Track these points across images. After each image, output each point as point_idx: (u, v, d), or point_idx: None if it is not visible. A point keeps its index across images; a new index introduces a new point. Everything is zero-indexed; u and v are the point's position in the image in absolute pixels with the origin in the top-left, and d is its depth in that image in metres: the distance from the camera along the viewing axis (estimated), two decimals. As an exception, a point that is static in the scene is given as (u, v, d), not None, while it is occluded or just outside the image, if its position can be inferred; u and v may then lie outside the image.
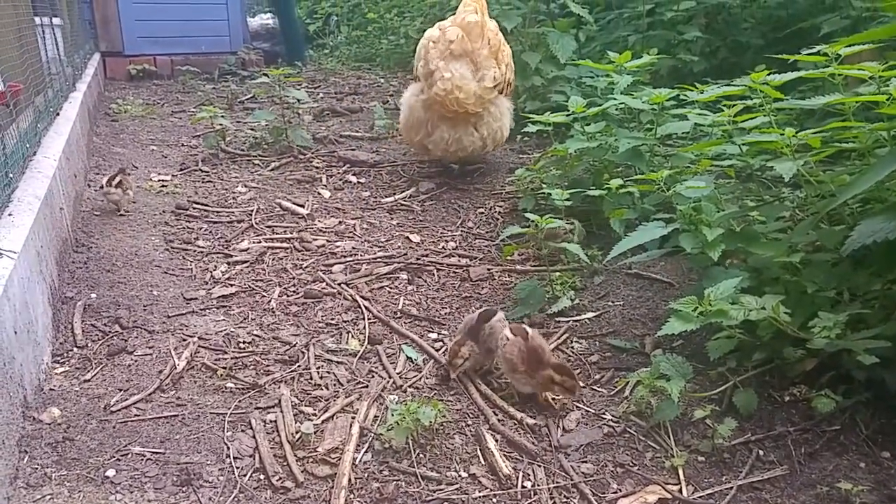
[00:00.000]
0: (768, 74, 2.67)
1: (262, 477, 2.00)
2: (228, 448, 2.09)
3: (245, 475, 1.99)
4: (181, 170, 4.97)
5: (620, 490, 2.00)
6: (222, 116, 5.53)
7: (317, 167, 5.08)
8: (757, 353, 2.34)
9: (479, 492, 1.99)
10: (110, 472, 1.95)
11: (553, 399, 2.37)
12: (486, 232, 3.93)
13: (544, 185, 3.87)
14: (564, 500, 1.97)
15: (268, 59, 10.09)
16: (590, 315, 2.98)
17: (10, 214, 2.49)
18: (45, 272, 2.62)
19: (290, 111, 5.65)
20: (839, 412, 2.16)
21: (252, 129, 5.78)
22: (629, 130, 3.86)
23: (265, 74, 6.06)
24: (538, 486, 2.02)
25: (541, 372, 2.31)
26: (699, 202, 2.60)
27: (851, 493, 1.89)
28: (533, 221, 3.11)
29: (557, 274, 3.21)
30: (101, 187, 3.97)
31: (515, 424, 2.27)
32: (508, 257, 3.51)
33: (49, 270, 2.71)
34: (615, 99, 3.68)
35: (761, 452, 2.12)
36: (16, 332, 2.05)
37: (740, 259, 2.65)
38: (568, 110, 3.86)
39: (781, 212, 2.93)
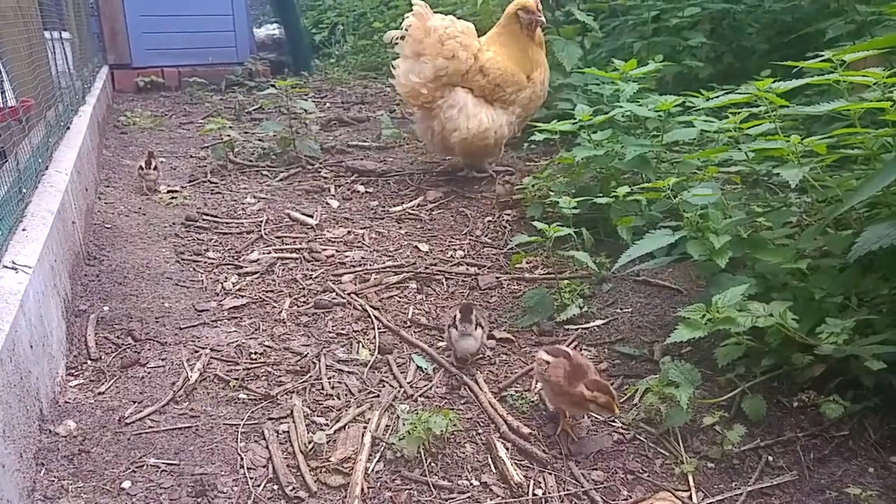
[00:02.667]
0: (773, 81, 2.69)
1: (275, 487, 2.02)
2: (242, 459, 2.11)
3: (259, 486, 2.02)
4: (190, 181, 5.01)
5: (631, 497, 2.02)
6: (230, 127, 5.58)
7: (325, 177, 5.11)
8: (765, 359, 2.35)
9: (491, 500, 2.01)
10: (126, 484, 1.98)
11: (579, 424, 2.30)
12: (494, 240, 3.95)
13: (552, 193, 3.88)
14: (576, 507, 1.99)
15: (274, 70, 10.16)
16: (598, 322, 2.99)
17: (24, 229, 2.53)
18: (58, 286, 2.65)
19: (297, 121, 5.70)
20: (848, 417, 2.17)
21: (260, 140, 5.83)
22: (635, 138, 3.87)
23: (272, 85, 6.12)
24: (549, 493, 2.03)
25: (576, 388, 2.14)
26: (706, 209, 2.62)
27: (860, 499, 1.90)
28: (541, 230, 3.13)
29: (566, 282, 3.23)
30: (141, 169, 4.73)
31: (530, 429, 2.28)
32: (517, 265, 3.53)
33: (62, 284, 2.75)
34: (621, 107, 3.69)
35: (770, 458, 2.13)
36: (31, 346, 2.08)
37: (748, 266, 2.66)
38: (574, 118, 3.88)
39: (788, 217, 2.94)
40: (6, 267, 2.18)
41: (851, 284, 2.33)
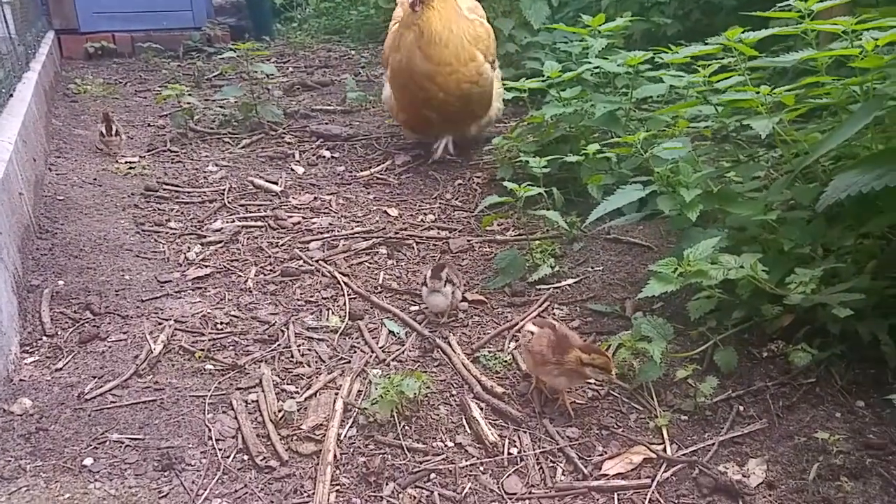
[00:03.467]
0: (743, 32, 2.65)
1: (245, 458, 1.97)
2: (210, 430, 2.06)
3: (228, 456, 1.97)
4: (149, 150, 4.84)
5: (606, 452, 2.02)
6: (189, 94, 5.38)
7: (289, 143, 4.98)
8: (736, 311, 2.36)
9: (466, 461, 1.99)
10: (88, 461, 1.91)
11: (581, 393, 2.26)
12: (465, 203, 3.89)
13: (521, 154, 3.83)
14: (551, 464, 1.98)
15: (234, 35, 9.81)
16: (570, 281, 2.97)
17: (-33, 201, 2.40)
18: (6, 260, 2.53)
19: (259, 87, 5.51)
20: (815, 365, 2.21)
21: (221, 107, 5.64)
22: (605, 95, 3.83)
23: (232, 50, 5.90)
24: (524, 451, 2.02)
25: (567, 356, 2.09)
26: (676, 164, 2.59)
27: (828, 442, 1.94)
28: (511, 190, 3.08)
29: (537, 242, 3.19)
30: (102, 135, 4.64)
31: (504, 389, 2.27)
32: (488, 228, 3.49)
33: (11, 258, 2.63)
34: (590, 63, 3.63)
35: (741, 408, 2.16)
36: (-20, 323, 1.98)
37: (718, 220, 2.66)
38: (543, 76, 3.82)
39: (757, 171, 2.94)
40: (-52, 240, 2.07)
41: (819, 235, 2.35)
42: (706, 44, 2.96)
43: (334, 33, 10.46)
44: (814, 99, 2.60)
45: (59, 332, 2.53)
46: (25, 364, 2.33)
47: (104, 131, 4.62)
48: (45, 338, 2.49)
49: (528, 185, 3.22)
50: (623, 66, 3.51)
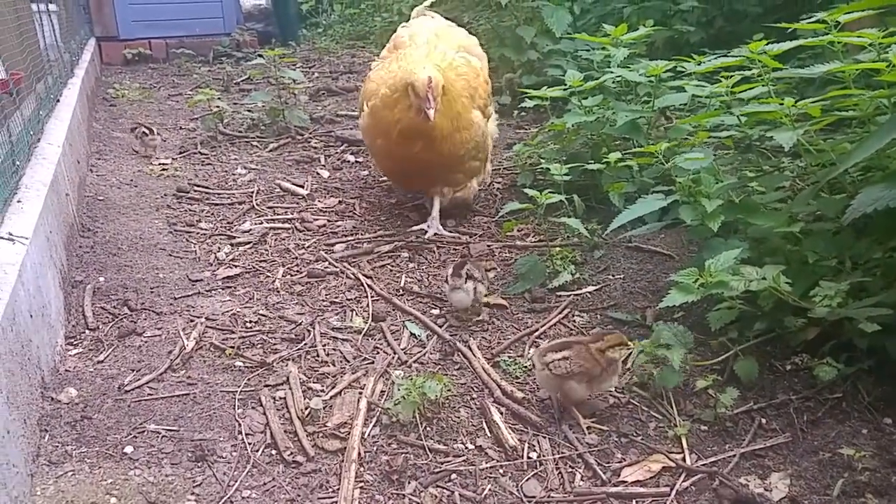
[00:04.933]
0: (767, 44, 2.67)
1: (273, 452, 2.05)
2: (240, 425, 2.14)
3: (257, 450, 2.04)
4: (181, 153, 4.97)
5: (625, 460, 2.05)
6: (219, 99, 5.51)
7: (315, 147, 5.08)
8: (758, 322, 2.36)
9: (486, 463, 2.04)
10: (128, 449, 2.00)
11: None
12: (485, 208, 3.95)
13: (542, 161, 3.88)
14: (570, 470, 2.02)
15: (262, 40, 10.00)
16: (590, 289, 3.01)
17: (19, 201, 2.52)
18: (54, 257, 2.65)
19: (286, 92, 5.63)
20: (841, 380, 2.18)
21: (249, 111, 5.77)
22: (626, 103, 3.86)
23: (260, 56, 6.03)
24: (544, 456, 2.06)
25: (588, 353, 2.14)
26: (698, 174, 2.62)
27: (854, 459, 1.92)
28: (532, 197, 3.13)
29: (557, 249, 3.24)
30: (143, 136, 4.90)
31: (524, 393, 2.31)
32: (508, 233, 3.54)
33: (58, 255, 2.74)
34: (612, 72, 3.67)
35: (764, 421, 2.16)
36: (31, 316, 2.08)
37: (740, 230, 2.67)
38: (564, 84, 3.86)
39: (781, 182, 2.92)
40: (3, 238, 2.18)
41: (845, 248, 2.32)
42: (727, 54, 2.98)
43: (358, 39, 10.59)
44: (840, 111, 2.59)
45: (100, 327, 2.63)
46: (70, 356, 2.44)
47: (146, 132, 4.89)
48: (87, 331, 2.60)
49: (549, 192, 3.26)
50: (645, 76, 3.54)
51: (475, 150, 3.60)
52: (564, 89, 3.84)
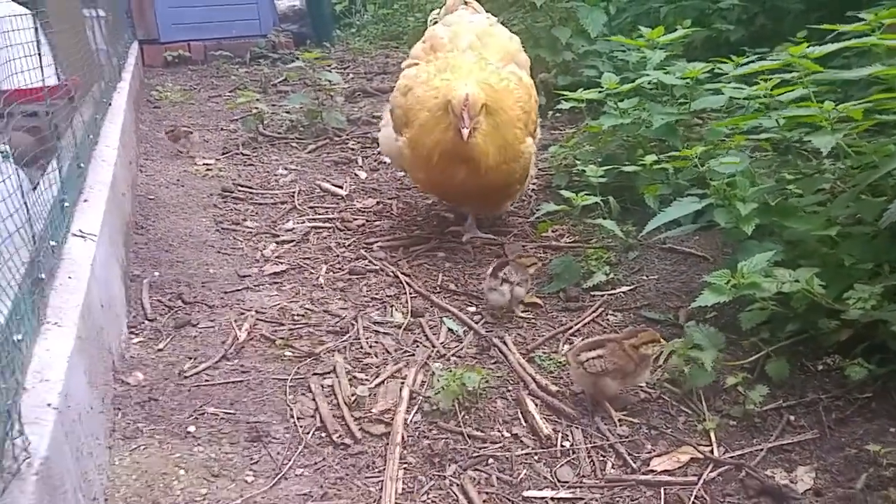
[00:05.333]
0: (808, 46, 2.68)
1: (323, 435, 2.19)
2: (291, 409, 2.28)
3: (308, 433, 2.19)
4: (223, 153, 5.15)
5: (654, 450, 2.14)
6: (258, 100, 5.69)
7: (352, 148, 5.22)
8: (791, 324, 2.41)
9: (522, 450, 2.15)
10: (191, 428, 2.18)
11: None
12: (520, 209, 4.04)
13: (578, 162, 3.95)
14: (601, 458, 2.12)
15: (297, 41, 10.18)
16: (624, 289, 3.08)
17: (85, 200, 2.70)
18: (116, 253, 2.84)
19: (322, 93, 5.78)
20: (872, 380, 2.22)
21: (287, 112, 5.93)
22: (663, 105, 3.90)
23: (296, 57, 6.18)
24: (576, 445, 2.17)
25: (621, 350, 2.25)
26: (733, 177, 2.67)
27: (879, 455, 1.97)
28: (567, 199, 3.22)
29: (592, 250, 3.32)
30: (181, 138, 5.08)
31: (558, 387, 2.41)
32: (543, 234, 3.62)
33: (119, 251, 2.93)
34: (648, 75, 3.73)
35: (792, 418, 2.23)
36: (102, 306, 2.26)
37: (775, 233, 2.70)
38: (600, 86, 3.92)
39: (820, 184, 2.89)
40: (75, 235, 2.35)
41: (882, 251, 2.34)
42: (767, 54, 2.95)
43: (391, 39, 10.72)
44: (883, 114, 2.57)
45: (157, 318, 2.81)
46: (133, 344, 2.62)
47: (185, 133, 5.12)
48: (146, 322, 2.77)
49: (585, 193, 3.34)
50: (681, 79, 3.59)
51: (522, 177, 3.43)
52: (600, 92, 3.91)
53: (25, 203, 1.89)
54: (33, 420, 1.42)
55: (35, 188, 2.27)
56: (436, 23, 3.92)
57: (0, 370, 1.24)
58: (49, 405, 1.54)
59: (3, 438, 1.27)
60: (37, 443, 1.39)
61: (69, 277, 2.13)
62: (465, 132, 2.99)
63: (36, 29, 2.43)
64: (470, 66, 3.31)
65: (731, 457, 2.10)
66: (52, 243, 2.15)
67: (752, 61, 3.00)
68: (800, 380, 2.36)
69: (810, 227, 2.41)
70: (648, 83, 3.93)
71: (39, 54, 2.41)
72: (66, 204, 2.46)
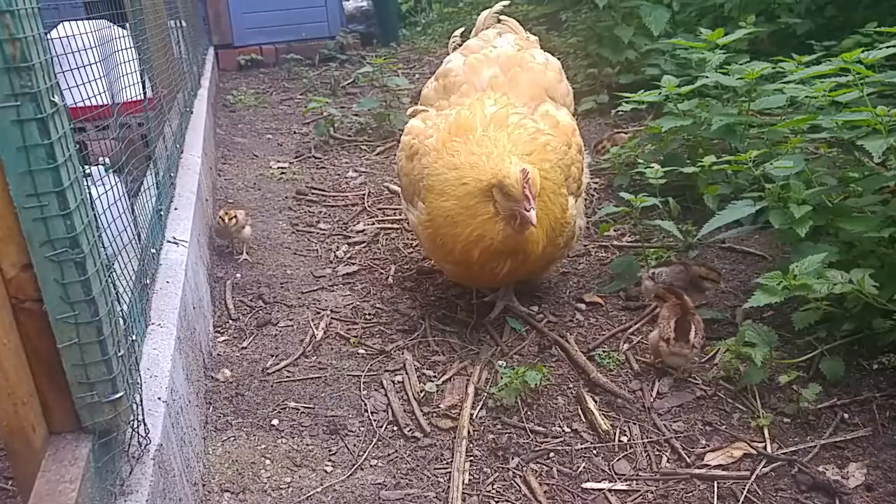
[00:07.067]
0: (862, 51, 2.70)
1: (395, 428, 2.37)
2: (365, 404, 2.48)
3: (381, 426, 2.38)
4: (296, 157, 5.42)
5: (709, 446, 2.24)
6: (329, 104, 5.94)
7: (419, 150, 5.39)
8: (846, 323, 2.47)
9: (581, 444, 2.28)
10: (275, 422, 2.39)
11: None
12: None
13: (640, 162, 4.01)
14: (657, 453, 2.23)
15: (364, 41, 10.44)
16: (683, 288, 3.14)
17: (175, 209, 2.97)
18: (203, 256, 3.10)
19: (390, 95, 5.97)
20: (927, 379, 2.27)
21: (356, 115, 6.16)
22: (724, 104, 3.92)
23: (363, 57, 6.38)
24: (633, 440, 2.28)
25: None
26: (788, 180, 2.71)
27: (930, 453, 2.02)
28: (628, 201, 3.30)
29: (652, 249, 3.39)
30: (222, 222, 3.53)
31: (616, 385, 2.52)
32: (604, 234, 3.71)
33: (205, 255, 3.20)
34: (707, 77, 3.75)
35: (846, 416, 2.29)
36: (194, 308, 2.51)
37: (830, 234, 2.73)
38: (660, 87, 3.96)
39: (884, 182, 2.86)
40: (169, 242, 2.61)
41: None
42: (829, 51, 2.90)
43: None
44: None
45: (240, 317, 3.05)
46: (219, 342, 2.87)
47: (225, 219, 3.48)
48: (230, 321, 3.02)
49: (645, 195, 3.40)
50: (741, 80, 3.60)
51: (567, 245, 2.85)
52: (660, 93, 3.95)
53: (134, 215, 2.15)
54: (148, 412, 1.64)
55: (136, 198, 2.52)
56: (457, 47, 3.34)
57: (129, 368, 1.46)
58: (159, 398, 1.78)
59: (130, 428, 1.50)
60: (152, 432, 1.62)
61: (167, 282, 2.38)
62: (534, 215, 2.36)
63: (134, 44, 2.67)
64: (492, 132, 2.62)
65: (784, 453, 2.18)
66: (153, 250, 2.41)
67: (813, 63, 3.01)
68: (855, 378, 2.41)
69: (865, 228, 2.44)
70: (709, 84, 3.94)
71: (141, 70, 2.67)
72: (162, 213, 2.73)
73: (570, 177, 2.73)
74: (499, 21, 3.36)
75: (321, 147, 5.58)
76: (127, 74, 2.36)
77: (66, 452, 1.34)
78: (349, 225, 4.08)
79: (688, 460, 2.18)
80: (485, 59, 3.04)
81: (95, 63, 1.68)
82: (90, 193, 1.37)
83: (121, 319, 1.48)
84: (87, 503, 1.30)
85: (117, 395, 1.39)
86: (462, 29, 3.55)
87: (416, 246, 3.76)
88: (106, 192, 1.65)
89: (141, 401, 1.54)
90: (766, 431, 2.25)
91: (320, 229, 4.04)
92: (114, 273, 1.51)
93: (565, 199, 2.68)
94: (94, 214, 1.37)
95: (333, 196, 4.55)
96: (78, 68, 1.55)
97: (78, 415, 1.38)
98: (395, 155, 5.28)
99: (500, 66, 2.98)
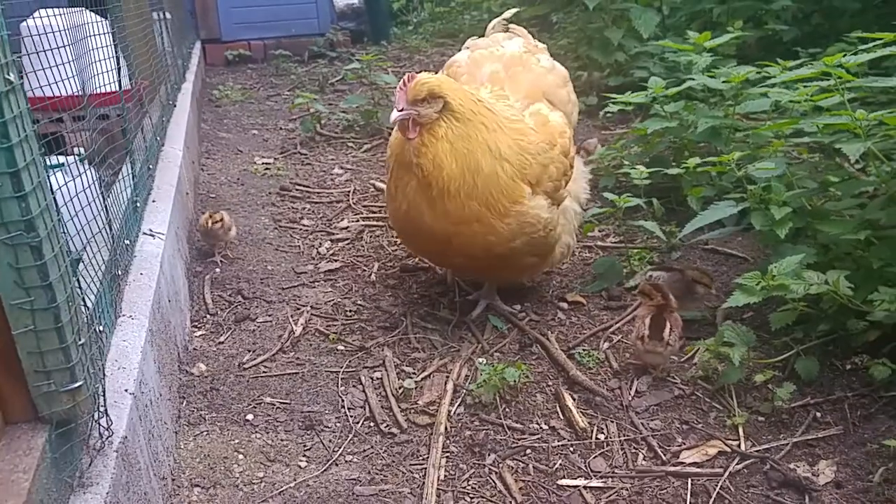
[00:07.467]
0: (844, 56, 2.73)
1: (372, 424, 2.36)
2: (343, 400, 2.46)
3: (358, 422, 2.36)
4: (282, 153, 5.39)
5: (684, 444, 2.24)
6: (317, 101, 5.91)
7: (405, 148, 5.37)
8: (822, 324, 2.50)
9: (558, 441, 2.28)
10: (250, 416, 2.37)
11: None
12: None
13: (625, 164, 4.02)
14: (633, 450, 2.23)
15: (354, 39, 10.40)
16: (665, 288, 3.15)
17: (153, 201, 2.94)
18: (181, 250, 3.07)
19: (378, 93, 5.95)
20: (898, 379, 2.28)
21: (344, 112, 6.13)
22: (711, 107, 3.94)
23: (352, 55, 6.36)
24: (610, 438, 2.28)
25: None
26: (769, 182, 2.73)
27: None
28: (612, 201, 3.30)
29: (636, 250, 3.39)
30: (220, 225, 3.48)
31: (595, 383, 2.52)
32: (588, 234, 3.70)
33: (183, 248, 3.17)
34: (694, 79, 3.77)
35: (819, 414, 2.32)
36: (169, 301, 2.48)
37: (809, 236, 2.76)
38: (648, 89, 3.97)
39: (861, 187, 2.91)
40: (145, 234, 2.59)
41: None
42: (814, 57, 2.96)
43: (448, 37, 10.85)
44: None
45: (218, 312, 3.02)
46: (195, 336, 2.84)
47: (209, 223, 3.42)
48: (208, 316, 2.99)
49: (629, 196, 3.41)
50: (727, 84, 3.62)
51: (529, 246, 2.70)
52: (647, 96, 3.97)
53: (105, 205, 2.11)
54: (113, 403, 1.62)
55: (110, 189, 2.48)
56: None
57: (90, 358, 1.43)
58: (126, 391, 1.75)
59: (90, 419, 1.47)
60: (116, 424, 1.59)
61: (140, 274, 2.35)
62: (396, 114, 2.45)
63: (112, 35, 2.64)
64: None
65: (757, 450, 2.19)
66: (126, 242, 2.38)
67: (797, 67, 3.04)
68: (828, 378, 2.44)
69: (842, 231, 2.47)
70: (696, 87, 3.96)
71: (118, 59, 2.63)
72: (138, 205, 2.69)
73: (547, 175, 2.68)
74: (507, 29, 3.40)
75: (307, 143, 5.55)
76: (100, 61, 2.32)
77: (21, 442, 1.31)
78: (333, 222, 4.06)
79: (663, 458, 2.18)
80: (490, 55, 3.07)
81: (63, 47, 1.64)
82: (51, 178, 1.34)
83: (83, 307, 1.44)
84: (41, 493, 1.27)
85: (75, 385, 1.35)
86: (475, 39, 3.50)
87: (400, 244, 3.75)
88: (73, 179, 1.62)
89: (104, 392, 1.51)
90: (740, 430, 2.26)
91: (303, 226, 4.01)
92: (78, 261, 1.48)
93: (520, 183, 2.58)
94: (54, 199, 1.33)
95: (318, 192, 4.52)
96: (44, 51, 1.52)
97: (34, 404, 1.35)
98: (381, 152, 5.28)
99: (504, 64, 3.00)
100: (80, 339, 1.36)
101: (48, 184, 1.31)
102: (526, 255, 2.75)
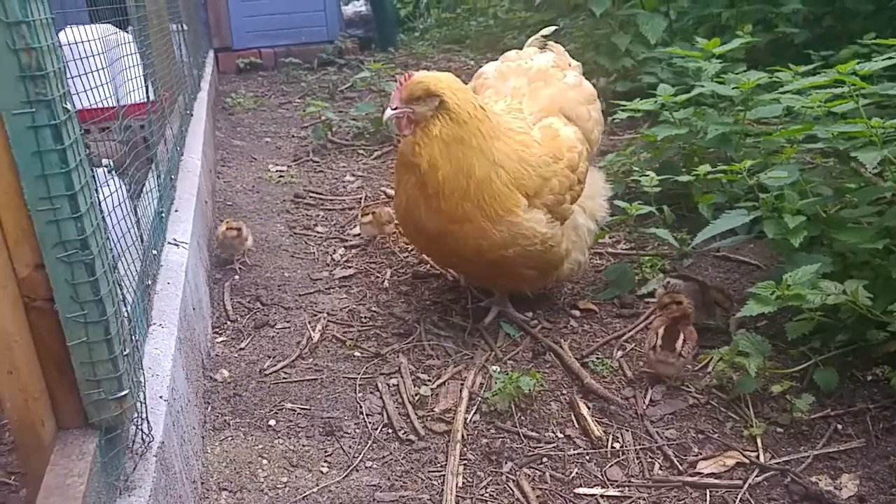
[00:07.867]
0: (857, 63, 2.74)
1: (390, 431, 2.39)
2: (361, 406, 2.50)
3: (376, 429, 2.40)
4: (295, 160, 5.44)
5: (701, 454, 2.26)
6: (327, 108, 5.97)
7: (416, 155, 5.41)
8: (840, 334, 2.49)
9: (574, 450, 2.30)
10: (272, 422, 2.41)
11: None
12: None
13: (635, 170, 4.04)
14: (650, 460, 2.25)
15: (362, 46, 10.47)
16: (677, 296, 3.17)
17: (176, 210, 2.99)
18: (202, 258, 3.12)
19: (387, 100, 5.98)
20: (921, 391, 2.28)
21: (354, 120, 6.19)
22: (720, 113, 3.95)
23: (361, 62, 6.41)
24: (626, 447, 2.30)
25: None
26: (782, 190, 2.74)
27: (921, 464, 2.04)
28: (623, 209, 3.33)
29: (647, 257, 3.42)
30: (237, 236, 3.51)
31: (609, 392, 2.54)
32: (599, 241, 3.73)
33: (204, 256, 3.22)
34: (702, 86, 3.79)
35: (840, 426, 2.31)
36: (193, 309, 2.53)
37: (825, 244, 2.76)
38: (656, 95, 3.99)
39: (879, 193, 2.90)
40: (170, 243, 2.63)
41: None
42: (827, 61, 2.94)
43: (454, 42, 10.91)
44: None
45: (238, 319, 3.07)
46: (217, 343, 2.88)
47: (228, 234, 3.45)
48: (228, 322, 3.04)
49: (640, 203, 3.43)
50: (737, 90, 3.63)
51: (523, 258, 2.69)
52: (655, 102, 3.99)
53: (137, 217, 2.17)
54: (150, 410, 1.67)
55: (138, 200, 2.54)
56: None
57: (133, 368, 1.49)
58: (161, 397, 1.80)
59: (134, 425, 1.53)
60: (154, 430, 1.64)
61: (168, 283, 2.40)
62: (389, 112, 2.55)
63: (139, 49, 2.70)
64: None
65: (777, 463, 2.19)
66: (154, 252, 2.43)
67: (809, 73, 3.05)
68: (848, 389, 2.43)
69: (860, 240, 2.47)
70: (705, 93, 3.97)
71: (144, 74, 2.69)
72: (163, 215, 2.75)
73: (548, 188, 2.68)
74: (545, 45, 3.45)
75: (319, 151, 5.60)
76: (131, 79, 2.38)
77: (74, 447, 1.38)
78: (346, 228, 4.10)
79: (680, 468, 2.20)
80: (517, 68, 3.11)
81: (102, 69, 1.70)
82: (98, 196, 1.40)
83: (126, 319, 1.50)
84: (93, 496, 1.33)
85: (122, 393, 1.42)
86: (541, 34, 3.58)
87: (411, 250, 3.79)
88: (111, 194, 1.67)
89: (144, 399, 1.56)
90: (758, 441, 2.27)
91: (317, 232, 4.06)
92: (118, 274, 1.53)
93: (515, 194, 2.59)
94: (102, 217, 1.39)
95: (331, 200, 4.57)
96: (86, 74, 1.57)
97: (85, 411, 1.41)
98: (392, 159, 5.33)
99: (528, 78, 3.04)
100: (125, 350, 1.42)
101: (98, 203, 1.37)
102: (521, 266, 2.74)
